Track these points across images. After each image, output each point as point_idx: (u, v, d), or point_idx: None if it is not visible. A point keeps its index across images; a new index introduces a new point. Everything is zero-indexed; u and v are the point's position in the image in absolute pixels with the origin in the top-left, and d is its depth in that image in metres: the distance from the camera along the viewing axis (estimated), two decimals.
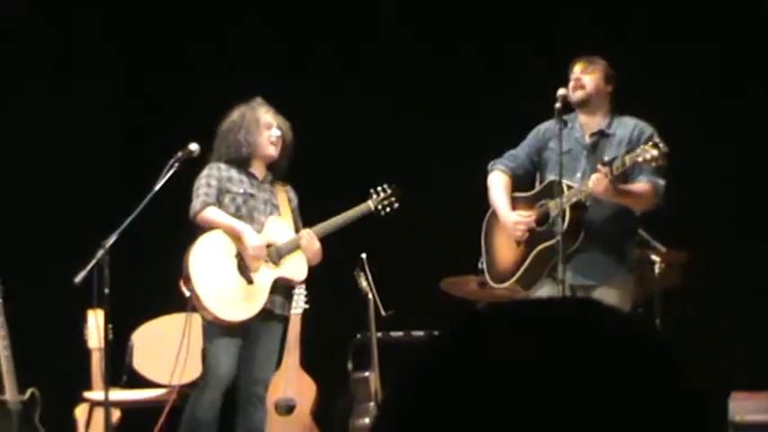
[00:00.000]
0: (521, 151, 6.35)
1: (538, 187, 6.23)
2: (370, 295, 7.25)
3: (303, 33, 8.36)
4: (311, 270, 6.50)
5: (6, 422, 7.04)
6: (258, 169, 6.51)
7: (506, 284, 6.20)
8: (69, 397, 7.19)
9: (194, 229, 6.36)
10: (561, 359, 1.03)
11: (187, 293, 6.32)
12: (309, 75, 8.30)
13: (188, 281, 6.29)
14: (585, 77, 6.21)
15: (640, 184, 5.99)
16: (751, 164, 7.69)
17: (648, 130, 6.12)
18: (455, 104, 7.75)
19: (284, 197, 6.54)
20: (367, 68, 8.22)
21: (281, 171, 6.55)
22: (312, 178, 6.78)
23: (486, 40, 7.93)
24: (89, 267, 6.02)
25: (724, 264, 7.53)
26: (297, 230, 6.51)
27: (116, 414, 7.07)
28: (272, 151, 6.47)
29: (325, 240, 6.53)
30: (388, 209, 6.64)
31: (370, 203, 6.58)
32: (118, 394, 6.87)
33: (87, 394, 7.08)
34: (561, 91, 6.01)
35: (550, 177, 6.12)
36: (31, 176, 8.05)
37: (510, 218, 6.18)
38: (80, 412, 7.22)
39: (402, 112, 8.01)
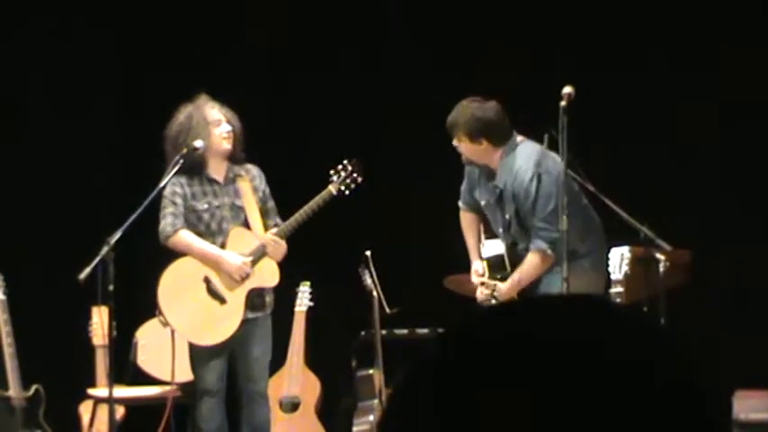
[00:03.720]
0: (464, 189, 6.46)
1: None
2: (375, 293, 7.23)
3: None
4: (315, 268, 6.50)
5: (11, 419, 7.04)
6: (217, 169, 6.44)
7: None
8: (73, 394, 7.19)
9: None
10: (565, 360, 1.02)
11: (165, 324, 6.35)
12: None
13: (161, 314, 6.32)
14: (456, 144, 6.24)
15: (528, 261, 6.14)
16: (756, 162, 7.68)
17: (522, 177, 6.12)
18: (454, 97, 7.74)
19: (248, 189, 6.46)
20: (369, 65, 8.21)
21: (239, 159, 6.50)
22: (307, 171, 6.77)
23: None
24: (93, 264, 6.03)
25: (729, 262, 7.52)
26: (267, 215, 6.46)
27: (120, 411, 7.07)
28: (226, 146, 6.40)
29: (328, 237, 6.52)
30: (352, 185, 6.57)
31: (332, 188, 6.50)
32: (122, 391, 6.86)
33: (91, 391, 7.08)
34: (566, 89, 5.99)
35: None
36: (35, 173, 8.05)
37: (473, 275, 6.34)
38: (84, 409, 7.22)
39: (405, 110, 7.99)
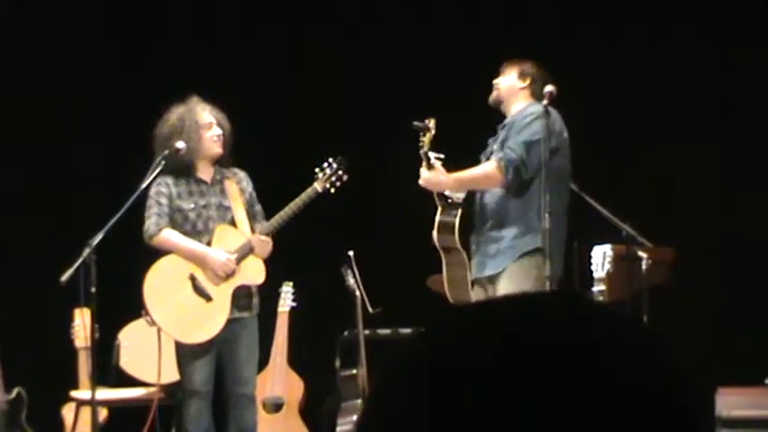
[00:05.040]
0: None
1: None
2: (358, 293, 7.24)
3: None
4: (296, 268, 6.49)
5: None
6: (205, 171, 6.44)
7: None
8: (56, 396, 7.17)
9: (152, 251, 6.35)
10: (542, 358, 1.02)
11: (150, 323, 6.34)
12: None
13: (147, 313, 6.31)
14: (500, 78, 6.31)
15: (480, 165, 6.13)
16: (738, 160, 7.70)
17: (528, 110, 6.14)
18: (448, 103, 7.75)
19: (235, 191, 6.45)
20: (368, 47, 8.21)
21: (226, 162, 6.50)
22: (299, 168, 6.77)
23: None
24: (76, 266, 6.01)
25: (711, 260, 7.55)
26: (254, 218, 6.46)
27: (103, 413, 7.05)
28: (217, 149, 6.41)
29: (310, 237, 6.52)
30: (337, 183, 6.57)
31: (317, 186, 6.49)
32: (105, 393, 6.85)
33: (74, 393, 7.06)
34: (548, 88, 6.01)
35: None
36: (16, 174, 8.02)
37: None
38: (67, 411, 7.20)
39: (391, 110, 8.00)
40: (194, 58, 8.22)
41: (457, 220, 6.20)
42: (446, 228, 6.22)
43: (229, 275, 6.33)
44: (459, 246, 6.18)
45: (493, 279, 6.12)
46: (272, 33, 8.35)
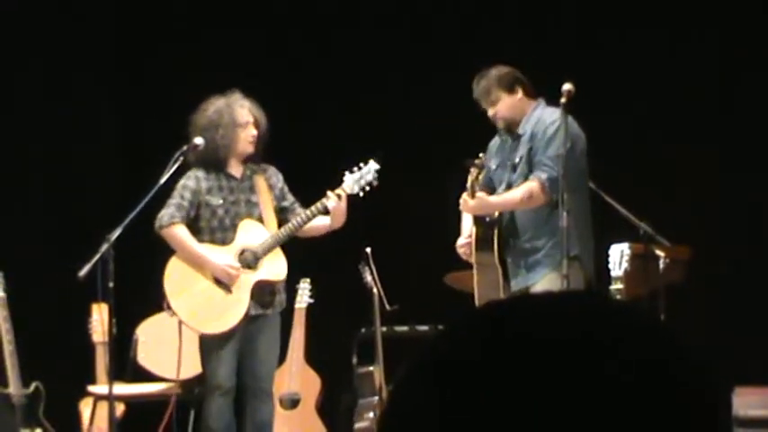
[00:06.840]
0: (486, 173, 6.41)
1: None
2: (375, 289, 7.24)
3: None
4: (318, 259, 6.49)
5: (10, 416, 7.04)
6: (235, 167, 6.45)
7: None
8: (73, 391, 7.20)
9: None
10: (568, 361, 1.02)
11: (171, 314, 6.35)
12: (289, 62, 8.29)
13: (168, 304, 6.32)
14: (494, 110, 6.21)
15: (522, 186, 6.08)
16: (755, 159, 7.68)
17: (548, 119, 6.10)
18: (455, 96, 7.74)
19: (264, 187, 6.46)
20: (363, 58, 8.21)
21: (257, 159, 6.51)
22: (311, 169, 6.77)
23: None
24: (93, 261, 6.03)
25: (728, 258, 7.52)
26: (283, 211, 6.46)
27: (120, 408, 7.07)
28: (250, 149, 6.41)
29: (328, 234, 6.53)
30: (367, 188, 6.58)
31: (345, 187, 6.47)
32: (122, 388, 6.87)
33: (91, 388, 7.09)
34: (566, 86, 5.97)
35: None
36: (34, 169, 8.05)
37: (457, 243, 6.31)
38: (84, 406, 7.23)
39: (403, 104, 8.00)
40: (195, 56, 8.22)
41: (495, 237, 6.19)
42: (485, 244, 6.20)
43: (231, 281, 6.32)
44: (497, 261, 6.18)
45: (530, 289, 6.11)
46: (272, 31, 8.35)
